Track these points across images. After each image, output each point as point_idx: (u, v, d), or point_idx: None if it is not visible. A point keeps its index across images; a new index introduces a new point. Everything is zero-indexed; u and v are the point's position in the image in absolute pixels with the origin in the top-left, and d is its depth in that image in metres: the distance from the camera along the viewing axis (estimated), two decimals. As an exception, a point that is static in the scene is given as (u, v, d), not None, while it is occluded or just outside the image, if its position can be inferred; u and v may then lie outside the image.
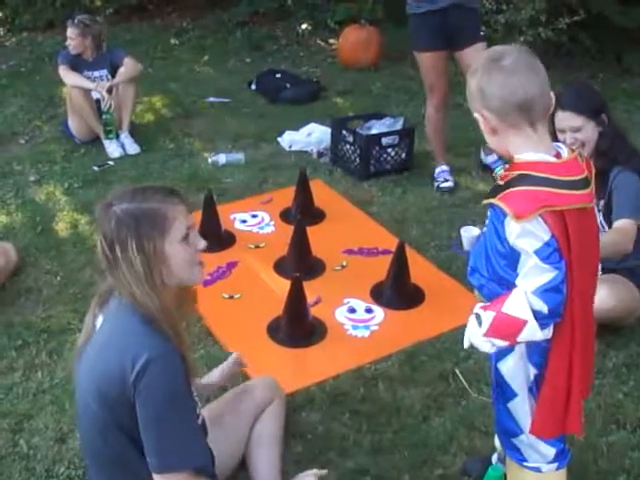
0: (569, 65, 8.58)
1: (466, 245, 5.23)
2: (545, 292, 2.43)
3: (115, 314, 2.65)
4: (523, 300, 2.45)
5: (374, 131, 6.48)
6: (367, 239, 5.42)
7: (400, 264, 4.71)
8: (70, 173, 6.56)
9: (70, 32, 6.91)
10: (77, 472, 3.46)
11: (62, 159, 6.85)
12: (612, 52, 9.00)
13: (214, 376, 3.57)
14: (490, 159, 6.06)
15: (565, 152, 2.55)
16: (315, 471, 3.22)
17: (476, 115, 2.55)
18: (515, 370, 2.77)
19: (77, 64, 6.92)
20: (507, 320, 2.49)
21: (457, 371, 4.07)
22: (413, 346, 4.30)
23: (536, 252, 2.42)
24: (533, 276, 2.44)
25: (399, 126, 6.56)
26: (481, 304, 2.65)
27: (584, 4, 8.05)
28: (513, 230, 2.44)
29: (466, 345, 2.71)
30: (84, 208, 5.92)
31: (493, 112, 2.48)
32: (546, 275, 2.42)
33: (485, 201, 2.56)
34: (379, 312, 4.64)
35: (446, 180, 6.09)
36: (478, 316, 2.59)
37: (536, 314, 2.44)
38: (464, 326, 4.36)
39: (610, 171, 4.05)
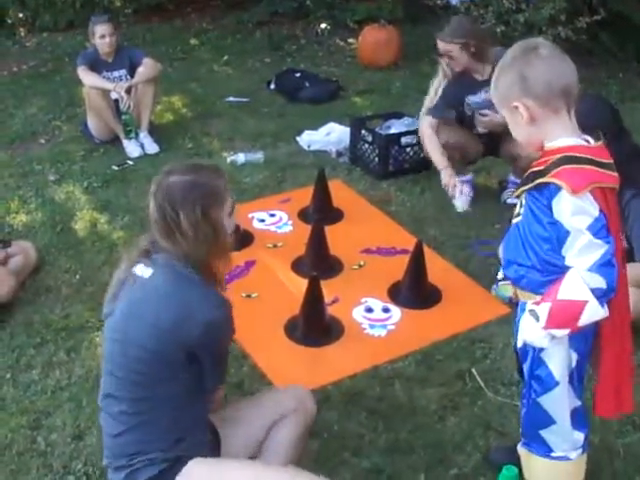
0: (589, 64, 8.52)
1: (462, 206, 5.66)
2: (601, 267, 2.48)
3: (170, 269, 2.82)
4: (579, 281, 2.50)
5: (393, 130, 6.48)
6: (385, 238, 5.42)
7: (418, 264, 4.71)
8: (89, 172, 6.59)
9: (104, 29, 6.86)
10: (94, 469, 3.48)
11: (81, 159, 6.89)
12: (632, 51, 8.94)
13: None
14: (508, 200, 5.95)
15: (592, 141, 2.64)
16: None
17: (514, 104, 2.59)
18: (560, 358, 2.80)
19: (96, 65, 6.93)
20: (565, 306, 2.53)
21: (473, 371, 4.07)
22: (430, 346, 4.30)
23: (588, 228, 2.49)
24: (587, 253, 2.50)
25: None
26: (532, 301, 2.67)
27: (604, 3, 8.02)
28: (566, 208, 2.51)
29: (520, 344, 2.77)
30: (103, 207, 5.96)
31: (537, 98, 2.55)
32: (599, 250, 2.49)
33: (536, 181, 2.59)
34: (396, 311, 4.64)
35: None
36: (533, 312, 2.61)
37: (595, 292, 2.49)
38: (481, 326, 4.43)
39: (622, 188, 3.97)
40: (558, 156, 2.54)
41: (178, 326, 2.73)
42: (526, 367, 2.91)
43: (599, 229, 2.48)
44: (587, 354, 2.82)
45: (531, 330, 2.63)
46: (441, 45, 5.53)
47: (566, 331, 2.57)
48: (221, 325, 2.82)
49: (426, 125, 5.82)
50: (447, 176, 5.64)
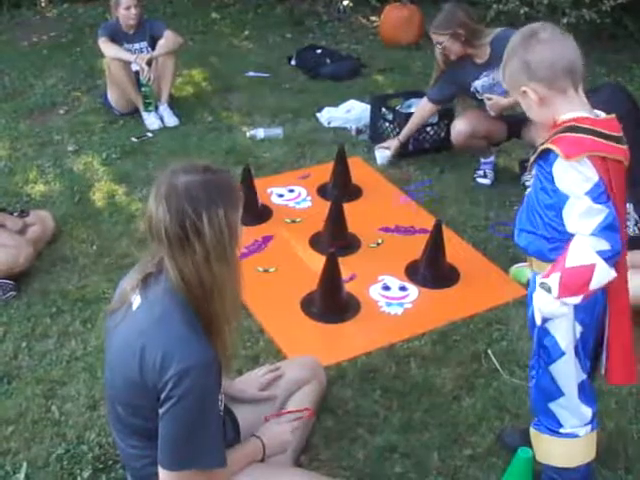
0: (611, 48, 8.48)
1: (379, 160, 6.20)
2: (604, 230, 2.50)
3: (161, 305, 2.52)
4: (584, 246, 2.52)
5: (414, 109, 6.41)
6: (404, 217, 5.40)
7: (436, 243, 4.69)
8: (108, 144, 6.58)
9: (129, 1, 6.81)
10: (108, 439, 3.48)
11: (101, 130, 6.89)
12: (656, 35, 8.88)
13: (247, 392, 3.30)
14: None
15: (602, 114, 2.69)
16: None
17: (522, 89, 2.67)
18: (565, 329, 2.82)
19: (117, 36, 6.92)
20: (575, 273, 2.53)
21: (489, 352, 4.06)
22: (446, 325, 4.29)
23: (587, 193, 2.52)
24: (588, 217, 2.52)
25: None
26: (541, 276, 2.66)
27: (628, -14, 7.94)
28: (563, 173, 2.56)
29: (539, 322, 2.74)
30: (122, 179, 5.96)
31: (542, 81, 2.62)
32: (600, 215, 2.50)
33: (540, 147, 2.67)
34: (413, 290, 4.62)
35: (485, 176, 5.97)
36: (544, 284, 2.60)
37: (601, 254, 2.50)
38: (498, 307, 4.42)
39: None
40: (563, 126, 2.61)
41: (145, 369, 2.47)
42: (535, 337, 2.94)
43: (599, 194, 2.51)
44: (592, 327, 2.84)
45: (546, 303, 2.62)
46: (433, 36, 5.56)
47: (579, 298, 2.56)
48: (198, 378, 2.43)
49: (421, 104, 6.13)
50: (393, 145, 6.19)
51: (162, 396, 2.45)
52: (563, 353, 2.85)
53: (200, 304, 2.48)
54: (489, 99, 5.51)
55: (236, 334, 2.76)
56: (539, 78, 2.61)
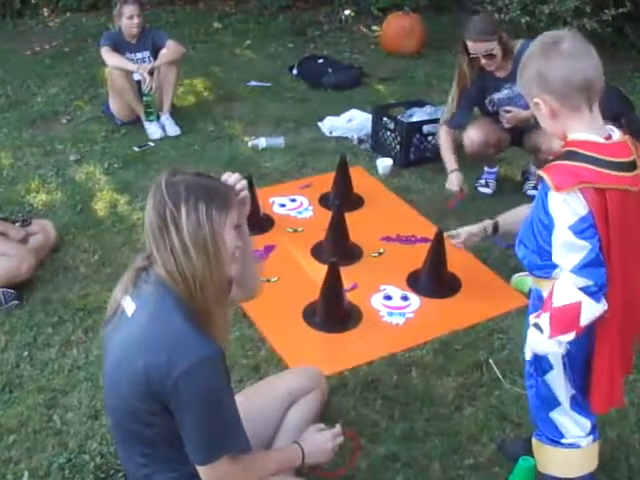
0: (613, 57, 8.45)
1: (381, 170, 6.20)
2: (584, 268, 2.49)
3: (155, 303, 2.56)
4: (567, 285, 2.51)
5: (415, 119, 6.44)
6: (405, 226, 5.41)
7: (437, 252, 4.69)
8: (110, 153, 6.60)
9: (132, 10, 6.85)
10: (109, 449, 3.48)
11: (103, 139, 6.90)
12: (658, 45, 8.88)
13: None
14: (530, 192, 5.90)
15: (617, 135, 2.62)
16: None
17: (535, 100, 2.61)
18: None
19: (119, 46, 6.93)
20: (563, 312, 2.53)
21: (491, 361, 4.05)
22: (448, 335, 4.29)
23: (570, 227, 2.49)
24: (569, 252, 2.51)
25: (440, 114, 6.49)
26: (534, 315, 2.67)
27: (630, -4, 7.96)
28: (553, 202, 2.52)
29: (528, 357, 2.78)
30: (123, 188, 5.96)
31: (554, 95, 2.55)
32: (581, 252, 2.49)
33: (537, 172, 2.66)
34: (415, 300, 4.63)
35: (487, 185, 6.00)
36: (536, 324, 2.62)
37: (585, 290, 2.49)
38: (499, 316, 4.42)
39: None
40: (565, 150, 2.57)
41: (151, 374, 2.47)
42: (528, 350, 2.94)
43: (583, 229, 2.48)
44: (579, 346, 2.80)
45: (539, 342, 2.64)
46: (481, 46, 5.21)
47: (572, 335, 2.56)
48: (203, 377, 2.47)
49: (443, 133, 5.74)
50: (455, 179, 5.54)
51: (172, 399, 2.48)
52: (552, 367, 2.87)
53: (187, 296, 2.52)
54: (507, 111, 5.48)
55: (227, 326, 2.90)
56: (552, 92, 2.53)
